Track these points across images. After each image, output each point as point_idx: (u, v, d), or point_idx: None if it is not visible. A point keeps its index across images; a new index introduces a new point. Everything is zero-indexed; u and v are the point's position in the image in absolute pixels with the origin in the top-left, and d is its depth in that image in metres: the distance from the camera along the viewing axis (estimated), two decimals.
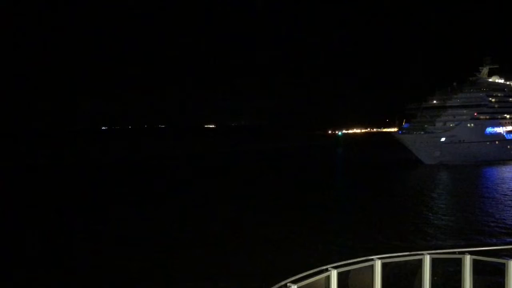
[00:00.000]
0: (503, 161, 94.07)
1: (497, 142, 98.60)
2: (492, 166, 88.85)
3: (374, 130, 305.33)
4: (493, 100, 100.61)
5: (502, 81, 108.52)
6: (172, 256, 31.76)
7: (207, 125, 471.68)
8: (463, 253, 8.00)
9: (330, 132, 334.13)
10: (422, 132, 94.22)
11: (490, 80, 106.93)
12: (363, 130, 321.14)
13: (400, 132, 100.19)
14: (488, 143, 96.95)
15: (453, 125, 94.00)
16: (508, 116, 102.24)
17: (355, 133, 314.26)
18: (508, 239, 35.38)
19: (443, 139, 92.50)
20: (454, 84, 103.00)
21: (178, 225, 42.52)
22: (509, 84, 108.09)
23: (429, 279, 8.06)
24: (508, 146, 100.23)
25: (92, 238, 37.96)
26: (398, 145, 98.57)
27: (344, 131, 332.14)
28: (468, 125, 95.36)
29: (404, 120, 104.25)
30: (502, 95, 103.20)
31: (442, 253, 8.42)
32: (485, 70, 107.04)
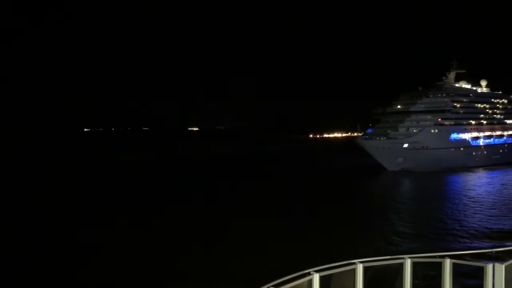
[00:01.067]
0: (468, 168, 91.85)
1: (462, 149, 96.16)
2: (457, 173, 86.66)
3: (355, 134, 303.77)
4: (458, 105, 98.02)
5: (469, 86, 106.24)
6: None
7: (190, 128, 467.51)
8: (443, 257, 8.21)
9: (311, 136, 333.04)
10: (384, 138, 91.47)
11: (457, 85, 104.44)
12: (343, 134, 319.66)
13: (363, 137, 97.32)
14: (452, 149, 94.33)
15: (416, 130, 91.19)
16: (473, 122, 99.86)
17: (335, 137, 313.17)
18: (486, 244, 34.72)
19: (405, 145, 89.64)
20: (420, 88, 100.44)
21: None
22: (475, 90, 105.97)
23: (410, 282, 8.23)
24: (474, 153, 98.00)
25: None
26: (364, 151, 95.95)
27: (325, 135, 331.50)
28: (432, 130, 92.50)
29: (358, 126, 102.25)
30: (468, 100, 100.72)
31: (423, 257, 8.61)
32: (452, 75, 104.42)
